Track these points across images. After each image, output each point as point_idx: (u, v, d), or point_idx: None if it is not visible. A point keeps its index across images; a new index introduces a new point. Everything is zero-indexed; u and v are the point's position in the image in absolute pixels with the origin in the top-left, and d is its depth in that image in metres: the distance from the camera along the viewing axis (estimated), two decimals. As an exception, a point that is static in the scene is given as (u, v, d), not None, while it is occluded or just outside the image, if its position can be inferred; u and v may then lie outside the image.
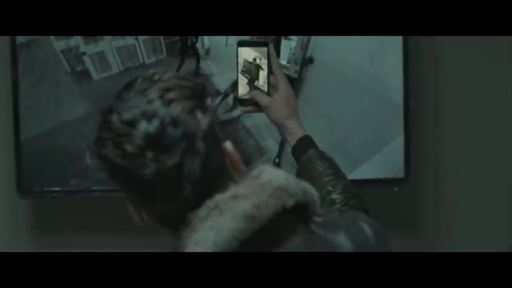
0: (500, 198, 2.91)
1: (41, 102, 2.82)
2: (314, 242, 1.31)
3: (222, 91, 2.81)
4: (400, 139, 2.78)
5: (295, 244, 1.29)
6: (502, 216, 2.91)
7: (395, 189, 2.81)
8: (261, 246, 1.26)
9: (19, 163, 2.82)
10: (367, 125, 2.78)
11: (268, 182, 1.28)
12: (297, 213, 1.30)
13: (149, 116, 1.23)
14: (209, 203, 1.26)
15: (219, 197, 1.26)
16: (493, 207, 2.91)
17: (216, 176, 1.28)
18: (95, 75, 2.83)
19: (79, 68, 2.82)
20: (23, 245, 2.95)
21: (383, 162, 2.79)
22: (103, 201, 2.87)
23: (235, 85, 2.79)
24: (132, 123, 1.24)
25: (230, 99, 2.82)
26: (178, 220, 1.29)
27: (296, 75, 2.79)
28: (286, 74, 2.78)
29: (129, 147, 1.24)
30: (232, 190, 1.27)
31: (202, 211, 1.26)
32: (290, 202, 1.28)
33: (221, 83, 2.81)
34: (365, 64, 2.75)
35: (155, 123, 1.22)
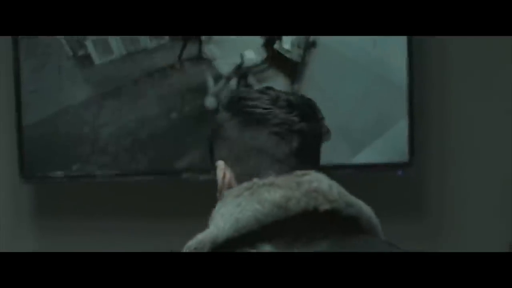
0: (507, 182, 2.89)
1: (43, 87, 2.82)
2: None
3: (225, 75, 2.81)
4: (403, 123, 2.77)
5: (316, 249, 1.29)
6: (509, 203, 2.89)
7: (399, 173, 2.81)
8: (282, 236, 1.29)
9: (21, 148, 2.82)
10: (370, 109, 2.77)
11: (307, 182, 1.31)
12: (336, 222, 1.31)
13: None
14: (246, 184, 1.32)
15: (256, 181, 1.31)
16: (500, 192, 2.90)
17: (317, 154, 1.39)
18: (97, 60, 2.82)
19: (81, 53, 2.82)
20: (25, 230, 2.95)
21: (387, 146, 2.78)
22: (105, 186, 2.87)
23: (238, 69, 2.81)
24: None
25: (233, 83, 2.81)
26: None
27: (299, 59, 2.79)
28: (289, 58, 2.81)
29: (271, 92, 1.38)
30: (271, 178, 1.32)
31: (237, 189, 1.32)
32: (325, 206, 1.29)
33: (224, 67, 2.81)
34: (368, 47, 2.74)
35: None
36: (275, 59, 2.80)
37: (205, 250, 1.29)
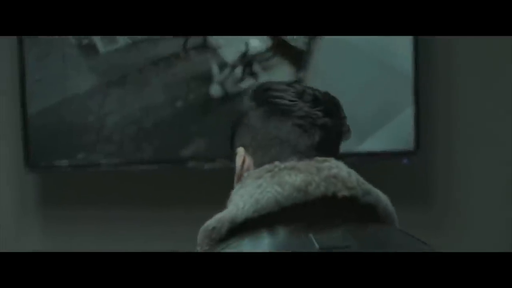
0: None
1: (48, 76, 2.82)
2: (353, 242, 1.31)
3: (230, 63, 2.80)
4: (409, 111, 2.77)
5: (331, 235, 1.30)
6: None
7: (405, 161, 2.80)
8: (299, 220, 1.30)
9: (26, 137, 2.82)
10: (375, 97, 2.76)
11: (327, 168, 1.33)
12: (354, 209, 1.33)
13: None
14: (267, 166, 1.34)
15: (277, 163, 1.34)
16: (506, 180, 2.88)
17: (337, 146, 1.42)
18: (101, 49, 2.82)
19: (85, 41, 2.81)
20: (31, 219, 2.95)
21: (392, 134, 2.78)
22: (110, 175, 2.87)
23: (243, 57, 2.81)
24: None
25: (238, 71, 2.80)
26: None
27: (304, 47, 2.78)
28: (294, 46, 2.80)
29: (297, 86, 1.41)
30: (293, 162, 1.34)
31: (258, 171, 1.34)
32: (344, 193, 1.32)
33: (229, 55, 2.80)
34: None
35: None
36: (280, 47, 2.79)
37: (224, 230, 1.30)
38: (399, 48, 2.75)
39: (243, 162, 1.40)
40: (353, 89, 2.76)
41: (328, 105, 1.39)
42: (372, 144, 2.76)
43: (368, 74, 2.77)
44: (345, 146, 2.78)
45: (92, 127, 2.81)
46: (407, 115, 2.77)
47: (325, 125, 1.37)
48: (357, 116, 2.74)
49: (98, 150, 2.81)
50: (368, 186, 1.36)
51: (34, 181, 2.94)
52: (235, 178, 1.41)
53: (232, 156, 1.44)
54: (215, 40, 2.80)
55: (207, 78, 2.81)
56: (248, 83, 2.79)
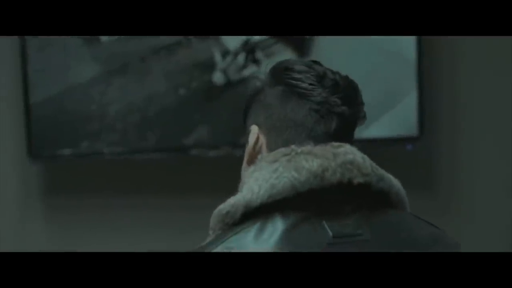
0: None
1: (50, 65, 2.81)
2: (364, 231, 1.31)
3: (232, 50, 2.80)
4: (412, 96, 2.76)
5: (344, 223, 1.30)
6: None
7: (408, 147, 2.80)
8: (314, 207, 1.29)
9: (29, 127, 2.82)
10: (379, 82, 2.76)
11: (343, 154, 1.32)
12: (367, 196, 1.33)
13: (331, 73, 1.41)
14: (283, 149, 1.32)
15: (294, 148, 1.32)
16: (510, 166, 2.88)
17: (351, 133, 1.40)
18: (103, 37, 2.81)
19: (87, 30, 2.81)
20: (35, 209, 2.96)
21: (396, 120, 2.77)
22: (113, 163, 2.87)
23: (245, 44, 2.80)
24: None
25: (240, 58, 2.80)
26: None
27: (306, 34, 2.78)
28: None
29: (318, 68, 1.39)
30: (309, 147, 1.32)
31: (273, 155, 1.32)
32: (359, 179, 1.31)
33: (231, 42, 2.80)
34: (376, 21, 2.72)
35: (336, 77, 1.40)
36: (283, 34, 2.79)
37: (238, 214, 1.30)
38: (402, 33, 2.75)
39: (257, 140, 1.38)
40: (356, 75, 2.73)
41: (347, 91, 1.38)
42: (376, 130, 2.75)
43: (371, 60, 2.76)
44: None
45: (94, 116, 2.81)
46: (411, 100, 2.77)
47: (342, 114, 1.35)
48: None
49: (101, 139, 2.82)
50: (381, 172, 1.35)
51: (37, 171, 2.94)
52: (246, 156, 1.39)
53: (244, 134, 1.41)
54: (217, 27, 2.80)
55: (210, 66, 2.80)
56: (251, 70, 2.79)
